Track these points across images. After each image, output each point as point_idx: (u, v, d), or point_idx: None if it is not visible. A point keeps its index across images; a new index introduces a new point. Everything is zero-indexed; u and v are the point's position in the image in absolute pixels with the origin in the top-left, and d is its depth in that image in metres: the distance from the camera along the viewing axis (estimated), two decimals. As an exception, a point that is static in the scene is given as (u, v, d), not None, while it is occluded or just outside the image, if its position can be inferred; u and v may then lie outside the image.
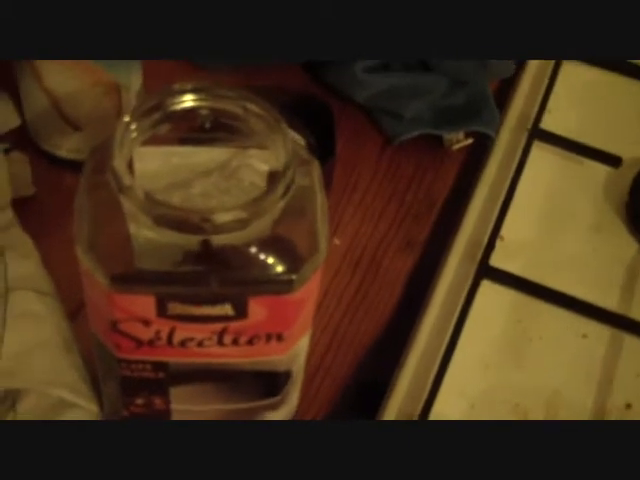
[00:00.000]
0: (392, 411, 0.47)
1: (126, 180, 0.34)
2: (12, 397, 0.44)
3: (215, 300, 0.35)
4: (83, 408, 0.45)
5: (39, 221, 0.51)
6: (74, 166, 0.52)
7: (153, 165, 0.37)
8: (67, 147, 0.54)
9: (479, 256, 0.53)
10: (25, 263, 0.48)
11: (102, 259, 0.35)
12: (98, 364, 0.41)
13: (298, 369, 0.41)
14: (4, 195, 0.50)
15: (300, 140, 0.50)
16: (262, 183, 0.36)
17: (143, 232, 0.34)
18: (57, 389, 0.44)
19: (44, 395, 0.44)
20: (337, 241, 0.54)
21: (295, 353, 0.39)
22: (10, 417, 0.44)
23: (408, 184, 0.57)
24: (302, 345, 0.40)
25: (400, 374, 0.48)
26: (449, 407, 0.48)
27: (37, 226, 0.50)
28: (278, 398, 0.41)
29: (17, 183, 0.52)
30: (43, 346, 0.45)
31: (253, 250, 0.35)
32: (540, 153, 0.59)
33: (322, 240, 0.36)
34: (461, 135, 0.58)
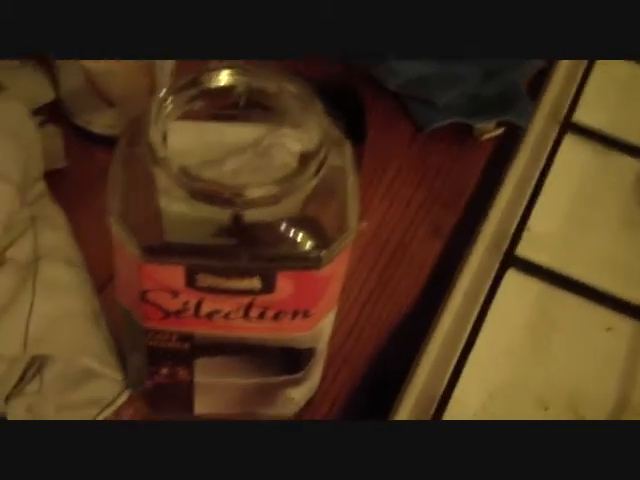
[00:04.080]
0: (412, 397, 0.47)
1: (161, 152, 0.34)
2: (39, 363, 0.45)
3: (244, 274, 0.36)
4: (108, 377, 0.46)
5: (70, 194, 0.52)
6: (106, 141, 0.53)
7: (187, 140, 0.37)
8: (100, 123, 0.54)
9: (505, 246, 0.53)
10: (55, 234, 0.48)
11: (134, 230, 0.35)
12: (125, 335, 0.42)
13: (322, 347, 0.41)
14: (37, 167, 0.51)
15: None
16: (294, 162, 0.37)
17: (175, 205, 0.35)
18: (84, 358, 0.45)
19: (70, 363, 0.45)
20: (364, 224, 0.54)
21: (319, 331, 0.40)
22: (36, 383, 0.45)
23: (437, 172, 0.57)
24: (327, 323, 0.40)
25: (421, 360, 0.49)
26: (469, 396, 0.48)
27: (68, 199, 0.51)
28: (300, 375, 0.42)
29: (50, 156, 0.52)
30: (71, 315, 0.46)
31: (283, 226, 0.35)
32: (571, 146, 0.58)
33: (352, 219, 0.36)
34: (492, 125, 0.58)
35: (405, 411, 0.47)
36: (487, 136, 0.58)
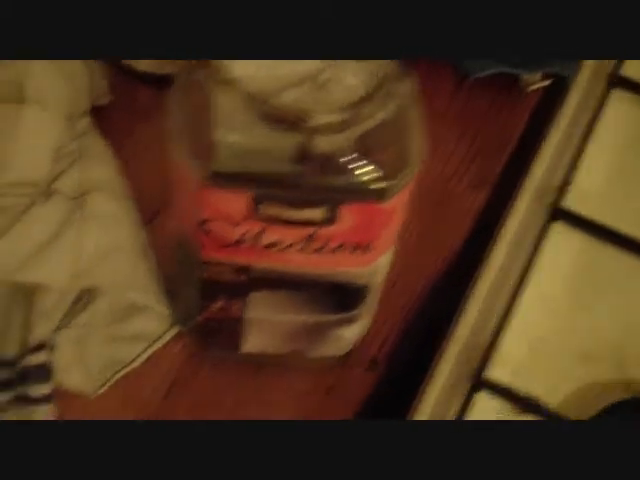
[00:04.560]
0: (456, 346, 0.47)
1: (230, 73, 0.34)
2: (88, 296, 0.45)
3: (307, 204, 0.35)
4: (156, 312, 0.45)
5: (114, 130, 0.51)
6: (150, 79, 0.52)
7: (247, 69, 0.37)
8: (146, 61, 0.54)
9: (551, 198, 0.53)
10: (102, 168, 0.48)
11: (198, 156, 0.35)
12: (177, 268, 0.42)
13: (377, 286, 0.41)
14: (83, 103, 0.50)
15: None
16: (353, 95, 0.36)
17: (239, 131, 0.34)
18: (132, 291, 0.45)
19: (119, 296, 0.45)
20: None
21: (377, 268, 0.39)
22: (84, 316, 0.45)
23: (482, 122, 0.57)
24: (384, 261, 0.40)
25: (465, 311, 0.48)
26: (511, 348, 0.48)
27: (112, 135, 0.51)
28: (353, 313, 0.42)
29: (95, 92, 0.52)
30: (120, 248, 0.45)
31: (349, 157, 0.34)
32: (618, 100, 0.57)
33: (416, 152, 0.36)
34: (538, 76, 0.57)
35: (449, 361, 0.46)
36: (533, 87, 0.57)
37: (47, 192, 0.45)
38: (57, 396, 0.44)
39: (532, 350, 0.48)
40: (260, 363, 0.45)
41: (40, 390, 0.43)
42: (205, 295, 0.41)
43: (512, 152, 0.56)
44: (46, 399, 0.43)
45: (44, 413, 0.43)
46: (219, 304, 0.41)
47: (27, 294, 0.45)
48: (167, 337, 0.46)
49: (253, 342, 0.43)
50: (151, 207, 0.49)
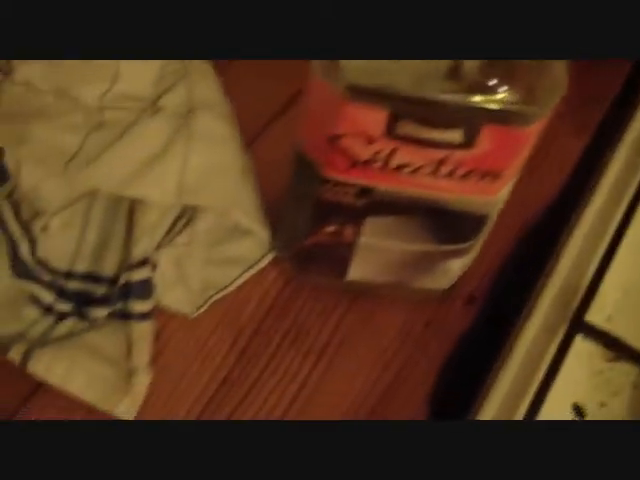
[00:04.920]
0: (553, 287, 0.46)
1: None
2: (189, 215, 0.44)
3: (448, 124, 0.34)
4: (255, 236, 0.45)
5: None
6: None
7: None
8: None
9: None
10: (208, 87, 0.47)
11: (341, 68, 0.34)
12: (291, 188, 0.41)
13: (493, 218, 0.40)
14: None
15: None
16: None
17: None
18: (236, 212, 0.44)
19: (220, 218, 0.44)
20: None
21: (500, 198, 0.39)
22: (185, 236, 0.44)
23: (584, 68, 0.55)
24: (506, 192, 0.39)
25: (562, 254, 0.47)
26: (608, 293, 0.47)
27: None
28: (466, 245, 0.41)
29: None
30: (224, 169, 0.45)
31: (496, 79, 0.33)
32: None
33: (560, 82, 0.35)
34: None
35: (546, 302, 0.46)
36: None
37: (153, 109, 0.45)
38: (156, 314, 0.43)
39: (628, 295, 0.47)
40: (360, 292, 0.45)
41: (141, 307, 0.42)
42: (317, 218, 0.40)
43: (614, 99, 0.55)
44: (146, 316, 0.42)
45: (143, 330, 0.42)
46: (331, 228, 0.40)
47: (130, 210, 0.44)
48: (265, 262, 0.45)
49: (360, 270, 0.42)
50: (252, 131, 0.48)
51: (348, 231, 0.40)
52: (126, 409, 0.41)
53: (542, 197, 0.50)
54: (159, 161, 0.43)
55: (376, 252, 0.41)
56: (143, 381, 0.41)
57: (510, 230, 0.49)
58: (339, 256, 0.42)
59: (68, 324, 0.43)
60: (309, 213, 0.40)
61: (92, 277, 0.44)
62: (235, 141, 0.46)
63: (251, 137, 0.47)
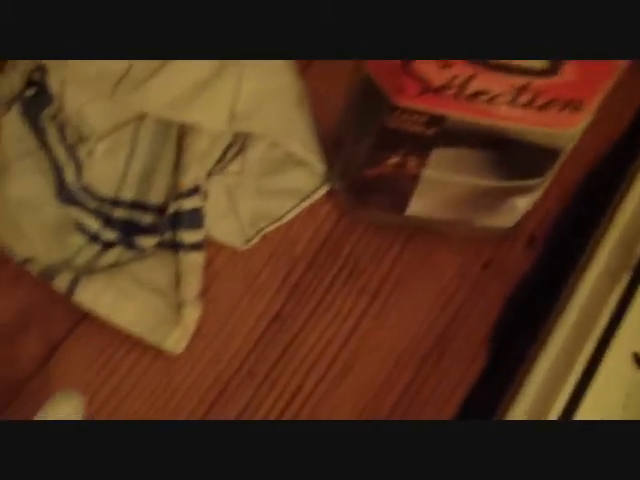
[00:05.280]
0: (614, 233, 0.44)
1: None
2: (241, 143, 0.42)
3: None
4: (309, 167, 0.43)
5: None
6: None
7: None
8: None
9: None
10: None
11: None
12: (351, 117, 0.39)
13: (566, 153, 0.38)
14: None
15: None
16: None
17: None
18: (290, 141, 0.42)
19: (273, 147, 0.42)
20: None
21: (577, 132, 0.36)
22: (237, 164, 0.42)
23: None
24: (583, 126, 0.37)
25: (624, 200, 0.45)
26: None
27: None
28: (535, 182, 0.39)
29: None
30: (278, 95, 0.42)
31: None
32: None
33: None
34: None
35: (607, 248, 0.44)
36: None
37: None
38: (205, 245, 0.42)
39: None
40: (418, 229, 0.43)
41: (191, 237, 0.41)
42: (381, 148, 0.38)
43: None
44: (196, 247, 0.41)
45: (193, 261, 0.41)
46: (395, 159, 0.38)
47: (179, 136, 0.42)
48: (319, 194, 0.43)
49: (420, 205, 0.40)
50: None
51: (413, 162, 0.38)
52: (175, 342, 0.40)
53: (608, 137, 0.48)
54: (211, 85, 0.41)
55: (440, 186, 0.39)
56: (193, 314, 0.40)
57: (574, 169, 0.46)
58: (400, 189, 0.40)
59: (114, 253, 0.42)
60: (372, 143, 0.38)
61: (139, 205, 0.42)
62: (289, 67, 0.43)
63: (303, 65, 0.45)
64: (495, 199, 0.40)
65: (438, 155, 0.37)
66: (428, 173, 0.38)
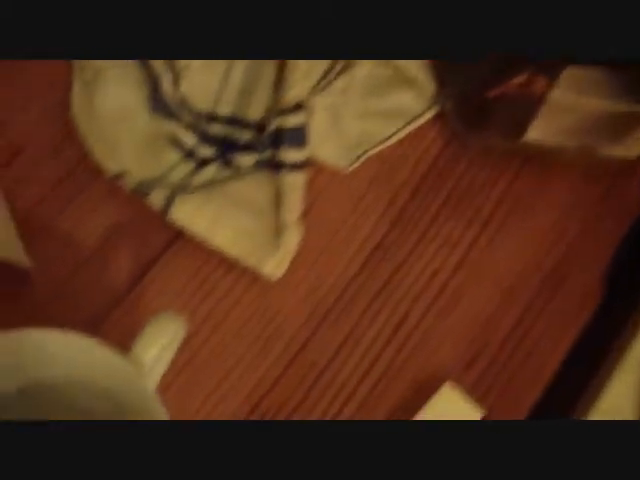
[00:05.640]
0: None
1: None
2: (346, 60, 0.40)
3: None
4: (419, 86, 0.40)
5: None
6: None
7: None
8: None
9: None
10: None
11: None
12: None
13: None
14: None
15: None
16: None
17: None
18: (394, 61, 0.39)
19: (379, 66, 0.39)
20: None
21: None
22: (342, 83, 0.39)
23: None
24: None
25: None
26: None
27: None
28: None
29: None
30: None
31: None
32: None
33: None
34: None
35: None
36: None
37: None
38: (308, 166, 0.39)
39: None
40: (532, 157, 0.40)
41: (295, 156, 0.38)
42: (506, 67, 0.35)
43: None
44: (299, 166, 0.38)
45: (295, 181, 0.38)
46: (521, 79, 0.35)
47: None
48: (428, 116, 0.40)
49: (541, 130, 0.38)
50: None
51: (540, 83, 0.35)
52: (274, 267, 0.37)
53: None
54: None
55: (566, 110, 0.36)
56: (293, 237, 0.38)
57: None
58: (521, 112, 0.37)
59: (210, 171, 0.39)
60: (495, 61, 0.35)
61: (237, 121, 0.40)
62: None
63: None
64: (625, 125, 0.37)
65: (569, 75, 0.34)
66: (556, 95, 0.35)
